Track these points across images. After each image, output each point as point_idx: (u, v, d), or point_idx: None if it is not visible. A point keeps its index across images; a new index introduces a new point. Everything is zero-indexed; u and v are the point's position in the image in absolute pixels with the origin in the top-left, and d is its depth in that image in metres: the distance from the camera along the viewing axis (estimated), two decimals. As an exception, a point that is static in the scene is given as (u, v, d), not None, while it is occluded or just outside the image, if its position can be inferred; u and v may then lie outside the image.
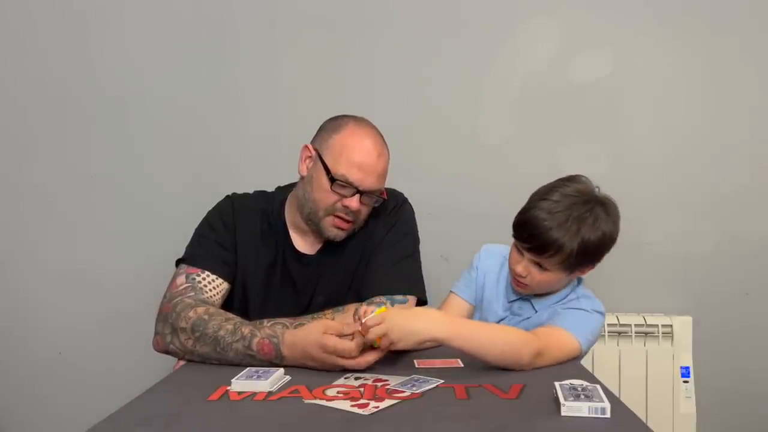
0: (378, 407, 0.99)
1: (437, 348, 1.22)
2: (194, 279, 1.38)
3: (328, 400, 1.03)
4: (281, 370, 1.15)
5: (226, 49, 2.03)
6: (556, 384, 1.01)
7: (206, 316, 1.27)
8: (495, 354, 1.17)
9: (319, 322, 1.25)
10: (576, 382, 1.02)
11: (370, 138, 1.41)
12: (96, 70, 2.05)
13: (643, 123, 1.97)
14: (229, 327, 1.24)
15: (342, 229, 1.43)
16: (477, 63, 1.99)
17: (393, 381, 1.12)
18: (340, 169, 1.38)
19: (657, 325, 1.90)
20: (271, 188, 1.58)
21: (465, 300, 1.49)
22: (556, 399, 0.97)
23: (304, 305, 1.46)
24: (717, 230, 1.97)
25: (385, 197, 1.47)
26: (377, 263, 1.45)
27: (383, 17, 1.99)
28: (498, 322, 1.42)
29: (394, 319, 1.16)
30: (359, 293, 1.44)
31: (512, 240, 1.38)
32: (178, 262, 1.43)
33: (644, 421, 0.96)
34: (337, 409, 0.99)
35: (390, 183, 1.48)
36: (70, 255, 2.08)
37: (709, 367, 1.92)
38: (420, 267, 1.50)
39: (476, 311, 1.49)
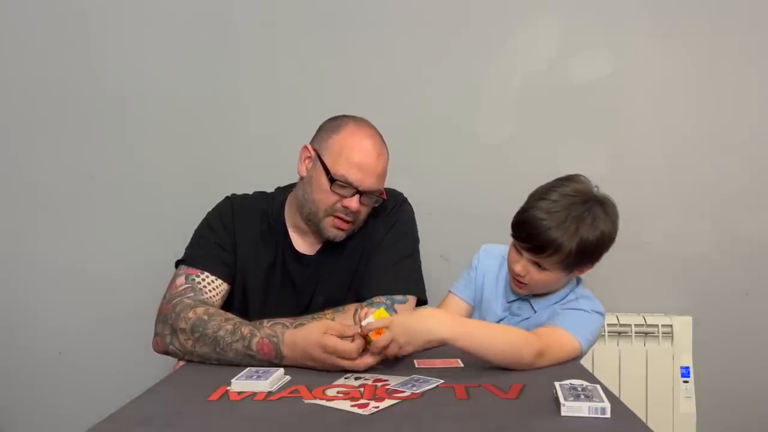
0: (378, 407, 0.99)
1: (437, 348, 1.22)
2: (194, 280, 1.38)
3: (328, 400, 1.03)
4: (281, 370, 1.15)
5: (226, 49, 2.03)
6: (556, 384, 1.01)
7: (206, 317, 1.27)
8: (496, 353, 1.17)
9: (320, 323, 1.26)
10: (576, 382, 1.02)
11: (369, 138, 1.41)
12: (96, 70, 2.05)
13: (643, 123, 1.97)
14: (229, 327, 1.24)
15: (342, 230, 1.43)
16: (477, 63, 1.99)
17: (393, 381, 1.12)
18: (339, 170, 1.38)
19: (657, 325, 1.90)
20: (270, 189, 1.58)
21: (464, 300, 1.49)
22: (556, 399, 0.97)
23: (304, 306, 1.46)
24: (717, 230, 1.97)
25: (385, 197, 1.47)
26: (377, 263, 1.45)
27: (383, 17, 1.99)
28: (497, 322, 1.42)
29: (398, 324, 1.16)
30: (359, 293, 1.44)
31: (511, 240, 1.38)
32: (178, 263, 1.43)
33: (644, 421, 0.96)
34: (337, 409, 0.99)
35: (390, 183, 1.48)
36: (70, 255, 2.08)
37: (709, 367, 1.92)
38: (420, 267, 1.50)
39: (475, 311, 1.49)
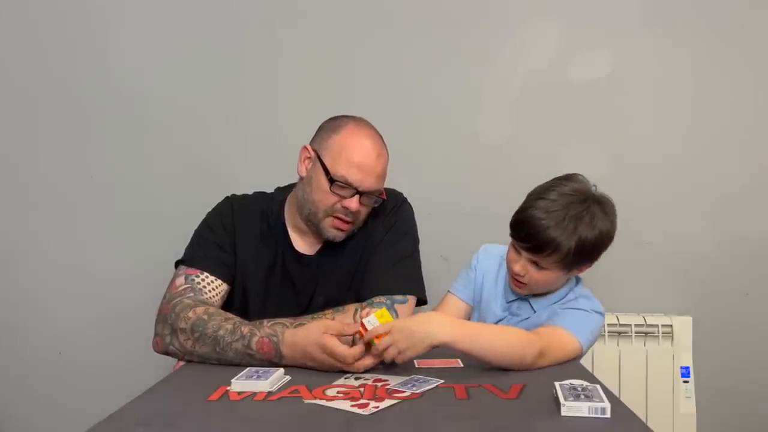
0: (378, 407, 0.99)
1: (437, 348, 1.22)
2: (193, 280, 1.38)
3: (328, 400, 1.03)
4: (281, 370, 1.15)
5: (226, 48, 2.03)
6: (556, 384, 1.01)
7: (205, 317, 1.27)
8: (498, 355, 1.17)
9: (320, 322, 1.25)
10: (576, 382, 1.02)
11: (369, 138, 1.41)
12: (96, 70, 2.05)
13: (643, 123, 1.97)
14: (229, 327, 1.24)
15: (341, 230, 1.43)
16: (477, 63, 1.99)
17: (393, 381, 1.12)
18: (339, 170, 1.38)
19: (657, 325, 1.90)
20: (270, 189, 1.58)
21: (463, 300, 1.50)
22: (556, 399, 0.97)
23: (304, 306, 1.46)
24: (717, 230, 1.96)
25: (385, 197, 1.47)
26: (377, 263, 1.45)
27: (383, 18, 1.99)
28: (496, 322, 1.42)
29: (399, 329, 1.15)
30: (359, 293, 1.44)
31: (510, 240, 1.38)
32: (178, 264, 1.43)
33: (644, 421, 0.96)
34: (337, 409, 0.99)
35: (390, 183, 1.48)
36: (70, 255, 2.08)
37: (709, 367, 1.92)
38: (420, 267, 1.50)
39: (474, 311, 1.49)
